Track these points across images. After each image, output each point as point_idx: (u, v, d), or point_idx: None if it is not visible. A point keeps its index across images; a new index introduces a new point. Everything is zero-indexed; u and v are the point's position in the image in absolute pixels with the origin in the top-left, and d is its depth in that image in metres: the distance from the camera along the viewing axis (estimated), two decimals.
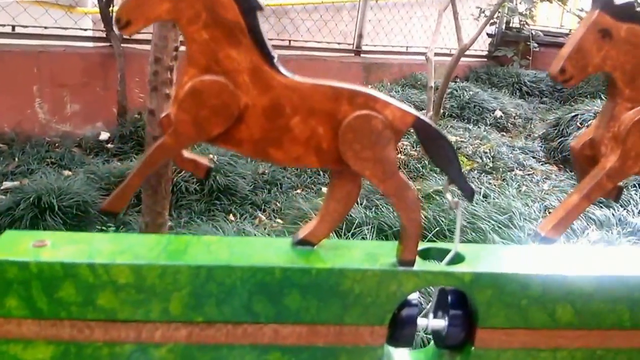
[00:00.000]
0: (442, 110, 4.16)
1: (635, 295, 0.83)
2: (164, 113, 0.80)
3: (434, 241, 2.41)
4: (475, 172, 3.51)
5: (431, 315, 0.87)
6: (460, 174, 0.80)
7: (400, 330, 0.83)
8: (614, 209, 2.76)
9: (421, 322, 0.85)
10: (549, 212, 2.21)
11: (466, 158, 3.75)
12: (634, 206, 2.80)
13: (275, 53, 0.76)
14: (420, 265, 0.81)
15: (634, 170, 0.84)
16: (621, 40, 0.81)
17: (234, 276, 0.77)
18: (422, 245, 0.85)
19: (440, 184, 3.15)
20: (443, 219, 2.60)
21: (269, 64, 0.75)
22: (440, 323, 0.86)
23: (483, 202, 2.83)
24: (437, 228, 2.50)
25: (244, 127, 0.76)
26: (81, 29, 3.57)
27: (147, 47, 2.01)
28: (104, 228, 2.54)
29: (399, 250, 0.81)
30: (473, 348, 0.83)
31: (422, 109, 4.48)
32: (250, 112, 0.75)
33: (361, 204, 2.82)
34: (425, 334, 1.51)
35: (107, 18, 3.46)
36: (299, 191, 3.07)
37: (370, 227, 2.53)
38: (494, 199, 2.90)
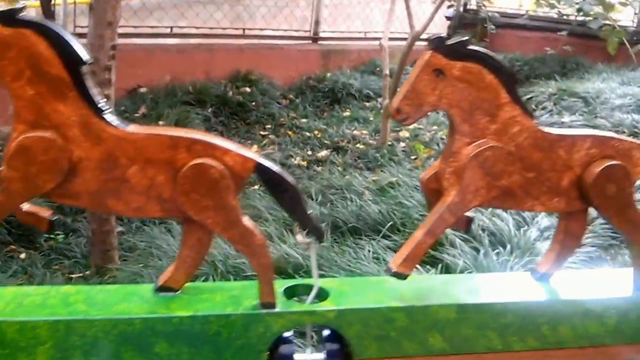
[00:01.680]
0: None
1: (501, 320, 0.86)
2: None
3: (388, 237, 2.42)
4: (432, 160, 3.53)
5: (309, 350, 0.88)
6: (306, 215, 0.81)
7: None
8: None
9: (299, 357, 0.86)
10: None
11: (424, 146, 3.76)
12: None
13: (105, 105, 0.75)
14: (283, 305, 0.83)
15: (474, 204, 0.85)
16: (455, 78, 0.81)
17: (94, 329, 0.77)
18: (287, 283, 0.87)
19: (394, 175, 3.15)
20: (396, 212, 2.61)
21: (99, 117, 0.75)
22: (319, 357, 0.87)
23: None
24: (391, 222, 2.51)
25: (79, 180, 0.75)
26: None
27: None
28: (51, 236, 2.51)
29: (259, 293, 0.82)
30: None
31: (381, 96, 4.48)
32: (84, 164, 0.75)
33: (316, 200, 2.81)
34: None
35: (49, 12, 3.34)
36: (256, 187, 3.02)
37: (325, 224, 2.53)
38: None
